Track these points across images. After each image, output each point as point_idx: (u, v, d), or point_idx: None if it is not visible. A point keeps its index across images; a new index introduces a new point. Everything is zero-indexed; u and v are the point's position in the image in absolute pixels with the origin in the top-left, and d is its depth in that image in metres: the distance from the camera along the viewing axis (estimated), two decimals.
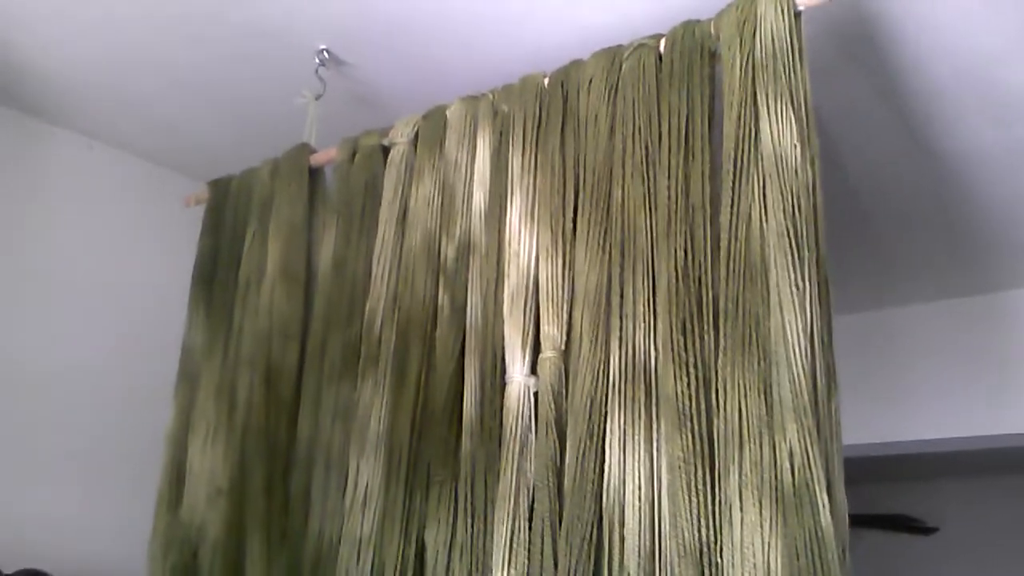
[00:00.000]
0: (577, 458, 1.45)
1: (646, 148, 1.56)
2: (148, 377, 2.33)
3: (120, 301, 2.50)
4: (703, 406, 1.37)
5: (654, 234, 1.50)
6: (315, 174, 2.11)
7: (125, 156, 2.60)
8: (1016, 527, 5.21)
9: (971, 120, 2.21)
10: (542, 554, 1.44)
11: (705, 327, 1.41)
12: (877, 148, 2.36)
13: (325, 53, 2.10)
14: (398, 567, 1.61)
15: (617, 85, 1.65)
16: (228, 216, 2.21)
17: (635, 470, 1.40)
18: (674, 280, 1.44)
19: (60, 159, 2.48)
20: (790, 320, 1.31)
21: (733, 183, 1.44)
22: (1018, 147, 2.32)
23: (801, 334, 1.30)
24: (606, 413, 1.46)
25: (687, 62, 1.57)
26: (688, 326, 1.41)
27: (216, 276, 2.16)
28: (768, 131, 1.42)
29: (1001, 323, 3.25)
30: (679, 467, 1.34)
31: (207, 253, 2.21)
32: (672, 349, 1.40)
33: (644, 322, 1.47)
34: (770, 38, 1.48)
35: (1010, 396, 3.16)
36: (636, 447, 1.41)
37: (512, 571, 1.46)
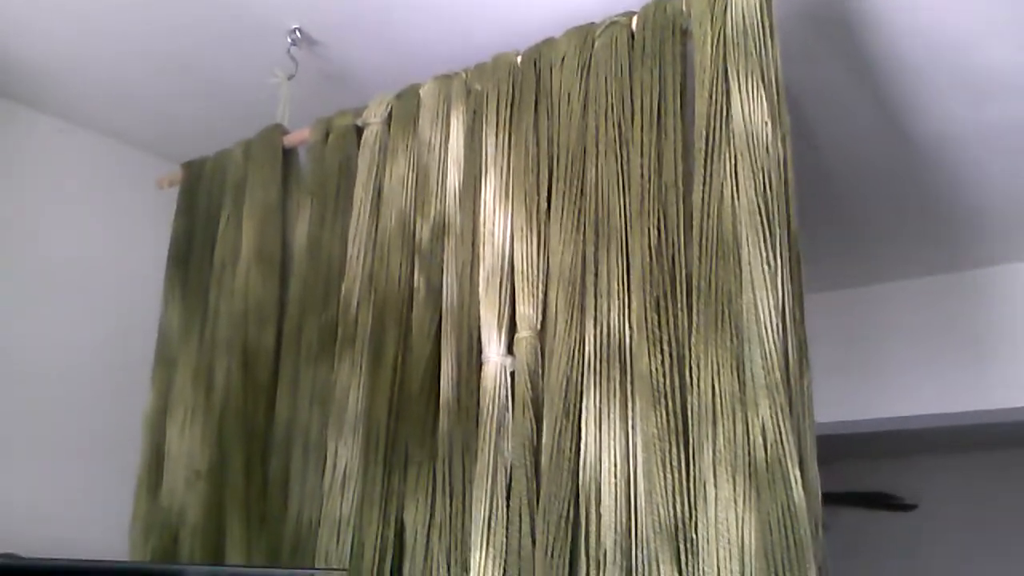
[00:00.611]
0: (554, 437, 1.46)
1: (619, 126, 1.56)
2: (125, 360, 2.32)
3: (95, 283, 2.48)
4: (677, 383, 1.38)
5: (628, 213, 1.51)
6: (288, 155, 2.10)
7: (97, 138, 2.57)
8: (994, 502, 5.29)
9: (945, 100, 2.22)
10: (520, 532, 1.45)
11: (679, 305, 1.42)
12: (851, 128, 2.37)
13: (297, 32, 2.07)
14: (377, 548, 1.62)
15: (589, 63, 1.65)
16: (202, 198, 2.19)
17: (611, 448, 1.41)
18: (648, 258, 1.45)
19: (32, 142, 2.45)
20: (762, 297, 1.32)
21: (705, 161, 1.44)
22: (991, 127, 2.33)
23: (773, 311, 1.31)
24: (582, 392, 1.47)
25: (659, 40, 1.57)
26: (662, 304, 1.42)
27: (191, 258, 2.16)
28: (739, 109, 1.43)
29: (976, 300, 3.27)
30: (654, 444, 1.35)
31: (182, 235, 2.20)
32: (646, 327, 1.41)
33: (619, 300, 1.47)
34: (741, 15, 1.48)
35: (985, 372, 3.18)
36: (612, 425, 1.42)
37: (491, 550, 1.47)
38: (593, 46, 1.66)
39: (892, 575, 5.34)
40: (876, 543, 5.42)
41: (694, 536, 1.30)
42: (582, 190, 1.58)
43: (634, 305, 1.45)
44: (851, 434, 3.36)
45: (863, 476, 5.36)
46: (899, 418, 3.34)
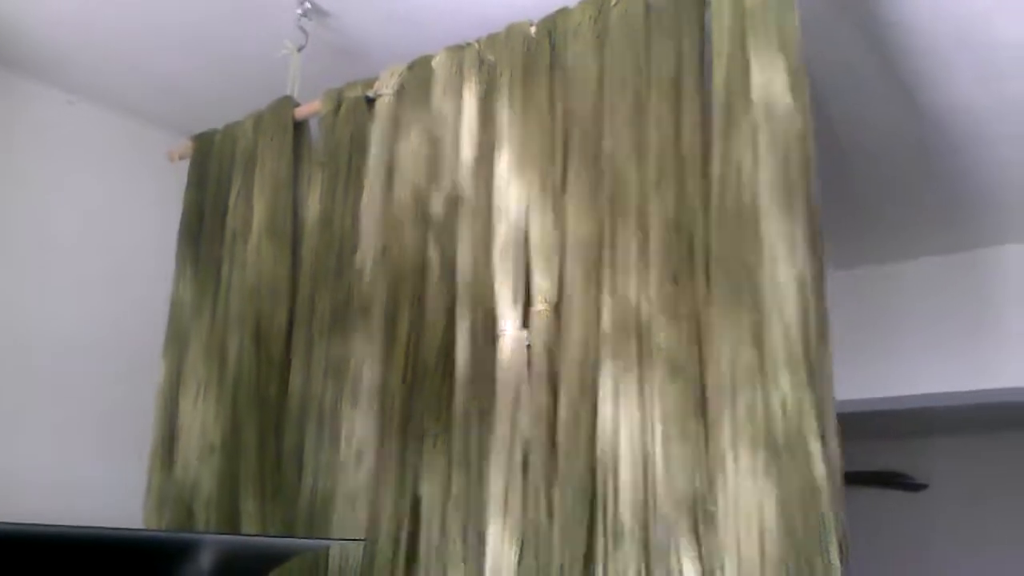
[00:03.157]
0: (570, 410, 1.46)
1: (635, 98, 1.54)
2: (137, 334, 2.31)
3: (106, 257, 2.48)
4: (695, 357, 1.37)
5: (645, 185, 1.49)
6: (299, 127, 2.08)
7: (107, 112, 2.56)
8: (1004, 482, 5.28)
9: (961, 76, 2.19)
10: (536, 505, 1.45)
11: (697, 277, 1.41)
12: (866, 104, 2.34)
13: (307, 3, 2.06)
14: (393, 520, 1.63)
15: (605, 33, 1.63)
16: (212, 170, 2.18)
17: (628, 421, 1.40)
18: (665, 231, 1.44)
19: (41, 116, 2.43)
20: (782, 270, 1.31)
21: (724, 132, 1.42)
22: (1007, 104, 2.31)
23: (793, 284, 1.30)
24: (599, 365, 1.46)
25: (676, 9, 1.55)
26: (680, 277, 1.41)
27: (203, 231, 2.14)
28: (759, 79, 1.41)
29: (989, 279, 3.25)
30: (672, 417, 1.35)
31: (192, 208, 2.19)
32: (664, 300, 1.40)
33: (636, 273, 1.46)
34: None
35: (998, 352, 3.17)
36: (629, 398, 1.41)
37: (507, 522, 1.47)
38: (609, 16, 1.63)
39: (902, 554, 5.36)
40: (886, 522, 5.43)
41: (712, 509, 1.29)
42: (598, 162, 1.57)
43: (651, 277, 1.44)
44: (862, 413, 3.35)
45: (874, 455, 5.36)
46: (911, 396, 3.32)
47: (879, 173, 2.74)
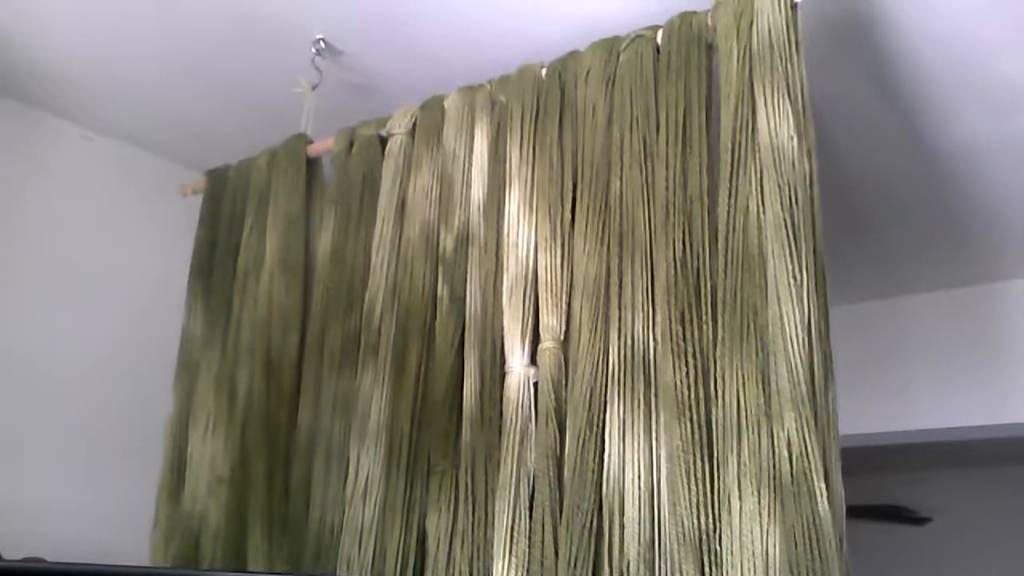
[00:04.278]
0: (577, 447, 1.47)
1: (644, 140, 1.57)
2: (148, 367, 2.33)
3: (119, 291, 2.50)
4: (702, 395, 1.38)
5: (652, 225, 1.51)
6: (312, 164, 2.11)
7: (123, 146, 2.60)
8: (1009, 517, 5.25)
9: (967, 112, 2.22)
10: (543, 543, 1.46)
11: (704, 317, 1.42)
12: (872, 138, 2.37)
13: (322, 43, 2.10)
14: (400, 555, 1.63)
15: (615, 76, 1.66)
16: (225, 206, 2.21)
17: (634, 459, 1.41)
18: (673, 271, 1.45)
19: (58, 150, 2.47)
20: (787, 311, 1.32)
21: (731, 175, 1.45)
22: (1013, 139, 2.33)
23: (798, 324, 1.32)
24: (605, 403, 1.47)
25: (685, 53, 1.58)
26: (687, 316, 1.42)
27: (214, 266, 2.17)
28: (765, 123, 1.43)
29: (996, 313, 3.25)
30: (678, 456, 1.36)
31: (205, 243, 2.21)
32: (671, 339, 1.42)
33: (643, 312, 1.48)
34: (767, 30, 1.48)
35: (1005, 387, 3.16)
36: (635, 436, 1.42)
37: (513, 559, 1.48)
38: (618, 59, 1.67)
39: None
40: (891, 556, 5.39)
41: (718, 548, 1.30)
42: (606, 202, 1.59)
43: (658, 317, 1.46)
44: (867, 447, 3.35)
45: (878, 490, 5.33)
46: (918, 431, 3.32)
47: (885, 208, 2.76)
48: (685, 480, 1.34)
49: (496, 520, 1.52)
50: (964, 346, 3.27)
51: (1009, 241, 2.96)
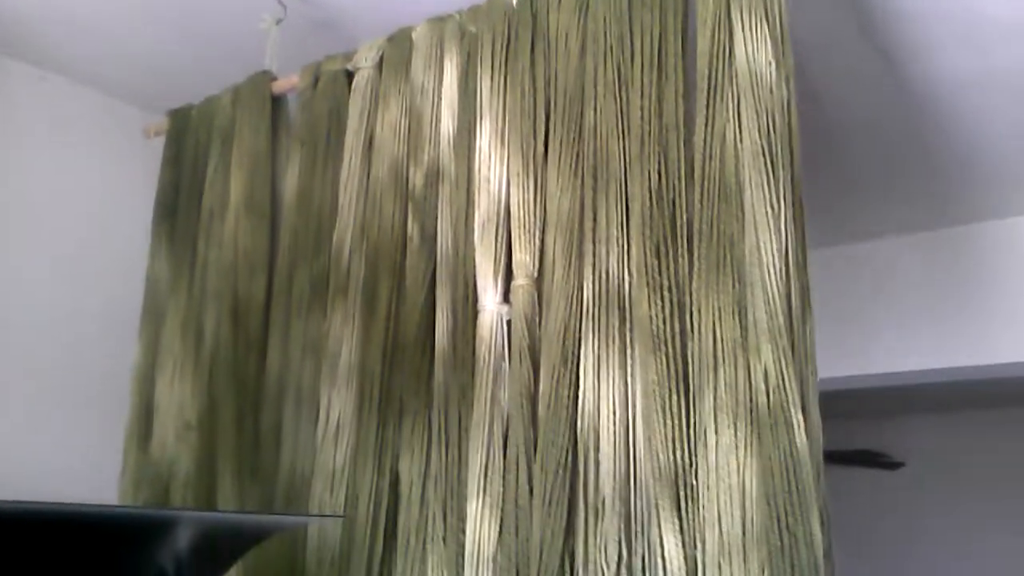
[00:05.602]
0: (551, 385, 1.44)
1: (618, 68, 1.52)
2: (113, 312, 2.28)
3: (79, 235, 2.44)
4: (677, 329, 1.36)
5: (627, 157, 1.47)
6: (277, 102, 2.05)
7: (81, 88, 2.51)
8: (981, 460, 5.33)
9: (948, 47, 2.17)
10: (517, 481, 1.43)
11: (679, 250, 1.39)
12: (851, 76, 2.32)
13: None
14: (372, 498, 1.61)
15: (587, 3, 1.60)
16: (189, 146, 2.15)
17: (609, 395, 1.39)
18: (648, 203, 1.42)
19: (12, 92, 2.39)
20: (765, 241, 1.30)
21: (707, 102, 1.41)
22: (995, 76, 2.29)
23: (776, 255, 1.29)
24: (580, 339, 1.44)
25: None
26: (662, 249, 1.39)
27: (178, 208, 2.11)
28: (742, 49, 1.39)
29: (973, 255, 3.24)
30: (654, 391, 1.33)
31: (168, 185, 2.16)
32: (646, 273, 1.39)
33: (618, 246, 1.44)
34: None
35: (977, 329, 3.16)
36: (610, 372, 1.40)
37: (487, 499, 1.45)
38: None
39: (879, 532, 5.40)
40: (864, 500, 5.47)
41: (694, 482, 1.28)
42: (580, 134, 1.54)
43: (633, 251, 1.42)
44: (840, 391, 3.35)
45: (851, 435, 5.39)
46: (893, 374, 3.33)
47: (863, 148, 2.73)
48: (661, 415, 1.32)
49: (470, 460, 1.50)
50: (939, 289, 3.27)
51: (984, 183, 2.94)
